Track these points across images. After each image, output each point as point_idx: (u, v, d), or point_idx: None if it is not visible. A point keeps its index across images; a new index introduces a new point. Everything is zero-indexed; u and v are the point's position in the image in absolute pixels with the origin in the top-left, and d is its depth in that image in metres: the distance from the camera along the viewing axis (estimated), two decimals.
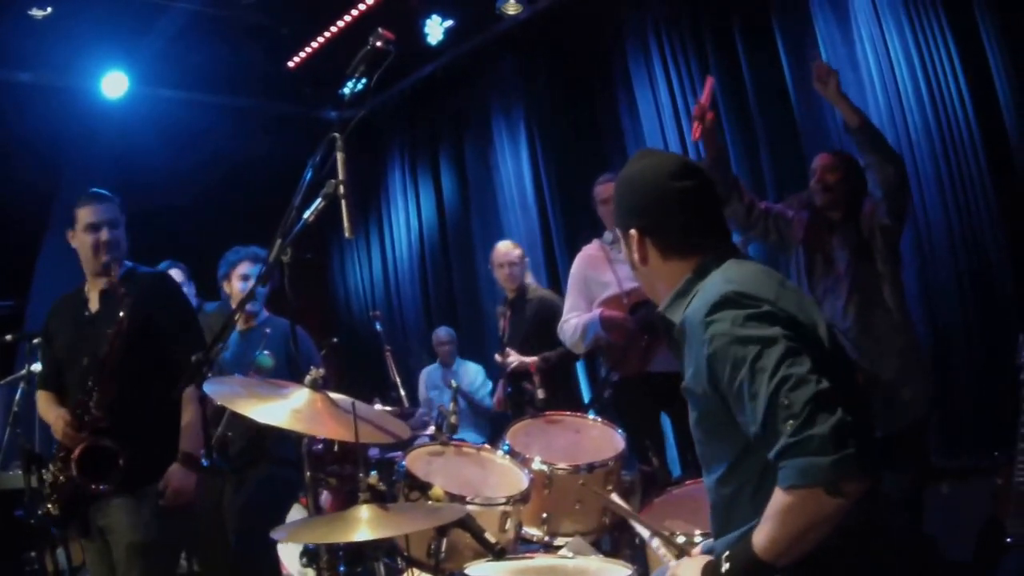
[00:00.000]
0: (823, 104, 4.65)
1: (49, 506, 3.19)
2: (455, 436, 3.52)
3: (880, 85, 4.78)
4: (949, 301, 4.57)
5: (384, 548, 3.36)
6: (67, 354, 3.31)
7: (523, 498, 3.08)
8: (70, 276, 3.51)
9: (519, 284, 5.21)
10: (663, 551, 2.33)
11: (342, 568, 2.94)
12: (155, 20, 6.24)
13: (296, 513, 4.35)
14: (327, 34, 6.63)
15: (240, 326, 4.18)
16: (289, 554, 4.38)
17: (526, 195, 6.96)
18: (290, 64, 7.02)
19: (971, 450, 4.28)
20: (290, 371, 3.91)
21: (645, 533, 2.44)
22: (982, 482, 3.65)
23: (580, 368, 5.77)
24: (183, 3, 6.07)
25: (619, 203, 2.08)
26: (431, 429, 5.05)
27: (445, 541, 2.69)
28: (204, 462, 3.08)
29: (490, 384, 6.61)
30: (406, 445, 3.61)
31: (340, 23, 6.47)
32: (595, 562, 2.68)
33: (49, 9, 5.80)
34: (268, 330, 4.11)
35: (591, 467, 3.28)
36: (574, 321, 4.39)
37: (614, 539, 3.55)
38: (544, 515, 3.23)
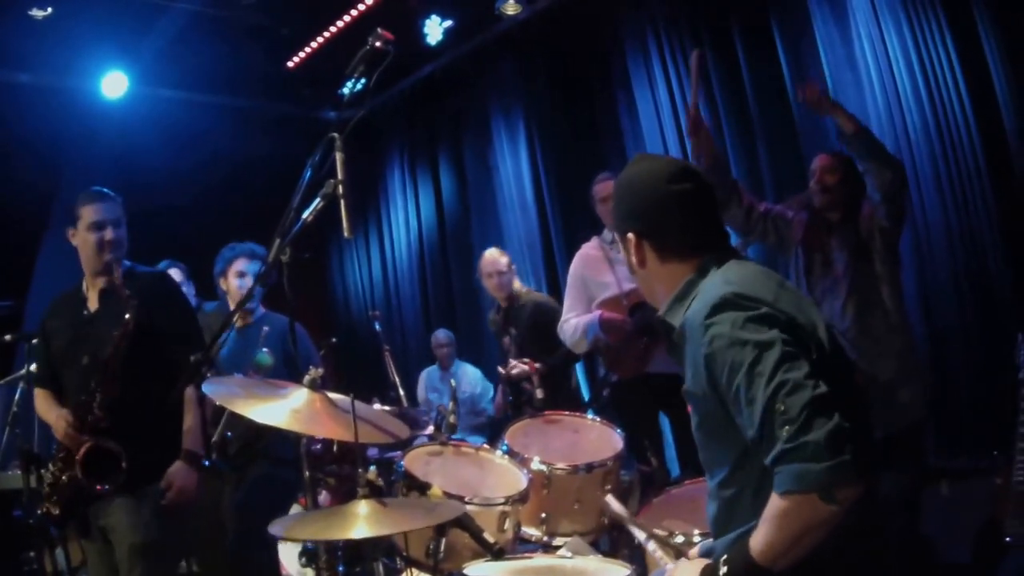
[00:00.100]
0: None
1: (48, 506, 3.17)
2: (454, 436, 3.52)
3: (879, 85, 4.77)
4: (948, 302, 4.56)
5: (383, 548, 3.36)
6: (65, 353, 3.28)
7: (522, 498, 3.08)
8: (69, 276, 3.47)
9: (509, 292, 5.21)
10: (660, 554, 2.33)
11: (341, 568, 2.94)
12: (155, 20, 6.24)
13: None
14: (327, 34, 6.63)
15: (237, 323, 4.17)
16: (288, 554, 4.37)
17: (525, 195, 6.95)
18: (290, 64, 7.03)
19: (970, 451, 4.27)
20: (288, 370, 3.91)
21: (641, 536, 2.44)
22: (981, 483, 3.66)
23: (579, 368, 5.77)
24: (183, 3, 6.07)
25: (617, 207, 2.09)
26: (430, 429, 5.05)
27: (444, 541, 2.69)
28: (204, 462, 3.08)
29: (491, 389, 6.59)
30: (405, 445, 3.61)
31: (340, 23, 6.47)
32: (593, 562, 2.68)
33: (49, 9, 5.80)
34: (266, 328, 4.10)
35: (590, 467, 3.28)
36: (574, 321, 4.40)
37: (612, 539, 3.54)
38: (543, 515, 3.23)
